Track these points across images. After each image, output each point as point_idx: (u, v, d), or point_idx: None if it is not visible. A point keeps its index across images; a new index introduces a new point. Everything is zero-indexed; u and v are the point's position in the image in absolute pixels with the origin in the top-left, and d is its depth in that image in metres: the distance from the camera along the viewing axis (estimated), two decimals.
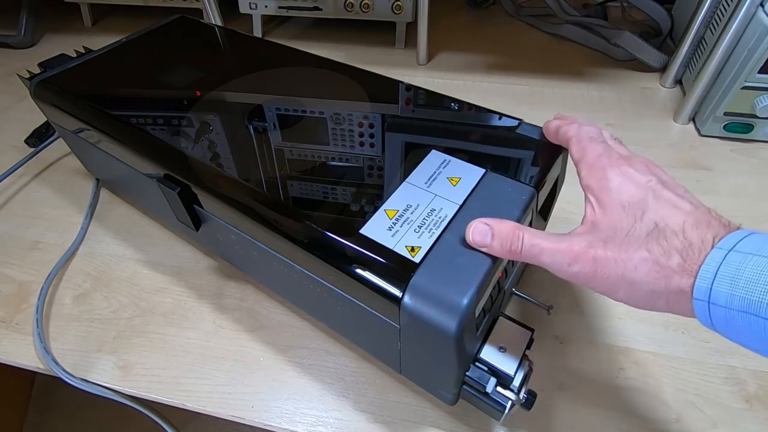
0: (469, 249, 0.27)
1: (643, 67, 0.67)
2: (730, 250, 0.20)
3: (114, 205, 0.51)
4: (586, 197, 0.27)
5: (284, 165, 0.34)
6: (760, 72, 0.49)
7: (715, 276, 0.20)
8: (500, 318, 0.30)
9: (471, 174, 0.31)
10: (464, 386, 0.29)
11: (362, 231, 0.28)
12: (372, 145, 0.35)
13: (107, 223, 0.49)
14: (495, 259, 0.27)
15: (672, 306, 0.22)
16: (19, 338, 0.40)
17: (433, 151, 0.33)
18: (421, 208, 0.29)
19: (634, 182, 0.25)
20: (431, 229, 0.28)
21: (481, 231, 0.26)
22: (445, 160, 0.33)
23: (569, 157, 0.30)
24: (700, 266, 0.20)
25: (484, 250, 0.26)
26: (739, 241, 0.20)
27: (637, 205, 0.24)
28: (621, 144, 0.29)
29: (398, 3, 0.69)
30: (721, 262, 0.20)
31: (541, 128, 0.34)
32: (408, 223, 0.28)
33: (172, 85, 0.42)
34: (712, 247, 0.21)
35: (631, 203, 0.24)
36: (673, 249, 0.21)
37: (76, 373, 0.37)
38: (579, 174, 0.28)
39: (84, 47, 0.49)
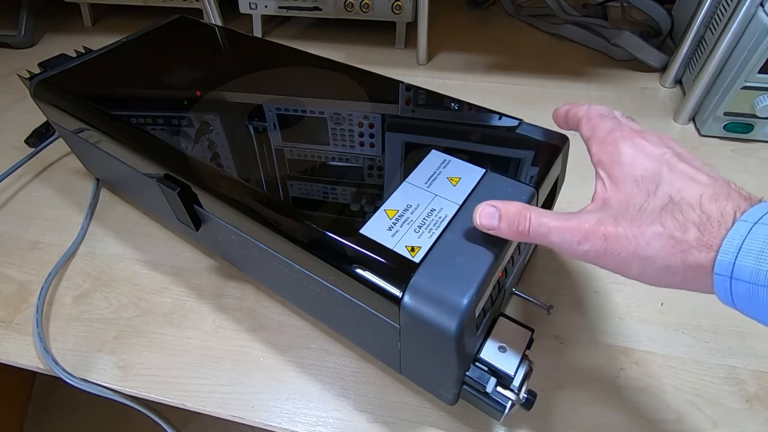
0: (469, 249, 0.27)
1: (643, 67, 0.67)
2: (755, 223, 0.19)
3: (114, 205, 0.51)
4: (596, 174, 0.26)
5: (284, 165, 0.34)
6: (760, 72, 0.49)
7: (739, 250, 0.19)
8: (500, 318, 0.30)
9: (471, 174, 0.31)
10: (464, 386, 0.29)
11: (362, 231, 0.28)
12: (372, 145, 0.35)
13: (107, 223, 0.49)
14: (496, 258, 0.27)
15: (688, 282, 0.21)
16: (19, 338, 0.40)
17: (433, 151, 0.33)
18: (421, 208, 0.29)
19: (647, 155, 0.24)
20: (431, 229, 0.28)
21: (488, 213, 0.26)
22: (445, 160, 0.33)
23: (580, 136, 0.29)
24: (722, 240, 0.19)
25: (492, 232, 0.26)
26: (766, 213, 0.19)
27: (651, 179, 0.23)
28: (633, 120, 0.28)
29: (398, 3, 0.69)
30: (746, 236, 0.19)
31: (541, 128, 0.34)
32: (408, 223, 0.28)
33: (172, 85, 0.42)
34: (734, 220, 0.20)
35: (644, 177, 0.23)
36: (689, 222, 0.20)
37: (76, 373, 0.37)
38: (590, 151, 0.27)
39: (84, 47, 0.49)
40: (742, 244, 0.19)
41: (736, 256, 0.19)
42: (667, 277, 0.21)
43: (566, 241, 0.23)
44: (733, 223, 0.19)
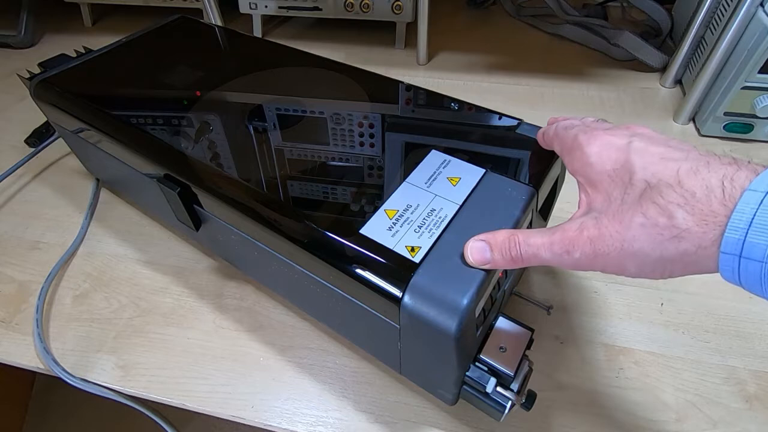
0: None
1: (643, 67, 0.67)
2: (767, 193, 0.17)
3: (114, 205, 0.51)
4: (577, 183, 0.26)
5: (284, 165, 0.34)
6: (760, 72, 0.49)
7: (750, 225, 0.17)
8: (500, 318, 0.30)
9: (471, 174, 0.31)
10: (464, 386, 0.29)
11: (362, 231, 0.28)
12: (372, 145, 0.35)
13: (107, 223, 0.49)
14: None
15: (690, 267, 0.19)
16: (19, 338, 0.40)
17: (433, 151, 0.33)
18: (421, 208, 0.29)
19: (613, 147, 0.23)
20: (431, 229, 0.28)
21: (478, 248, 0.26)
22: (445, 160, 0.33)
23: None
24: (728, 216, 0.17)
25: (488, 266, 0.26)
26: None
27: (623, 169, 0.22)
28: (604, 122, 0.27)
29: (398, 3, 0.69)
30: (758, 208, 0.17)
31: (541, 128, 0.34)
32: (408, 223, 0.28)
33: (172, 85, 0.42)
34: (723, 190, 0.18)
35: (616, 169, 0.22)
36: (672, 205, 0.19)
37: (76, 373, 0.37)
38: (565, 164, 0.27)
39: (84, 47, 0.49)
40: (753, 218, 0.17)
41: (747, 233, 0.17)
42: (667, 268, 0.20)
43: (556, 254, 0.23)
44: (724, 194, 0.18)
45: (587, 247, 0.22)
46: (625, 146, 0.23)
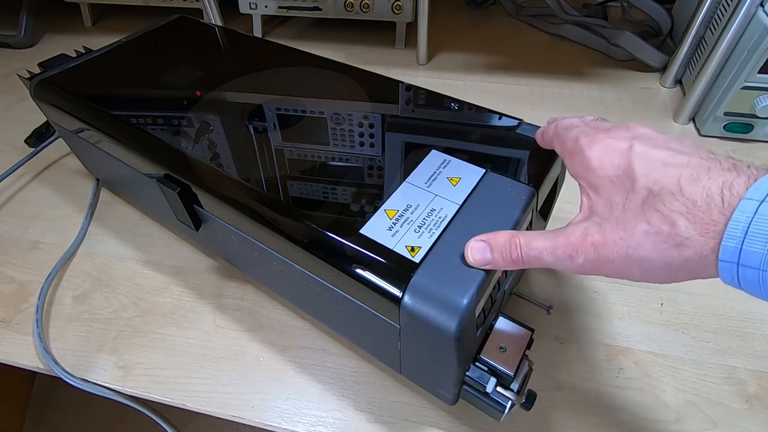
0: None
1: (643, 67, 0.67)
2: (762, 201, 0.17)
3: (114, 205, 0.51)
4: (579, 186, 0.25)
5: (284, 165, 0.34)
6: (760, 72, 0.49)
7: (745, 234, 0.17)
8: (500, 318, 0.30)
9: (471, 174, 0.31)
10: (464, 386, 0.29)
11: (362, 231, 0.28)
12: (372, 145, 0.35)
13: (107, 223, 0.49)
14: None
15: (694, 273, 0.20)
16: (19, 338, 0.40)
17: (433, 151, 0.33)
18: (421, 208, 0.29)
19: (615, 152, 0.23)
20: (431, 229, 0.28)
21: (478, 248, 0.26)
22: (445, 160, 0.33)
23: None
24: (725, 225, 0.18)
25: (488, 267, 0.26)
26: None
27: (625, 175, 0.22)
28: (604, 121, 0.27)
29: (398, 3, 0.69)
30: (753, 217, 0.17)
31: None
32: (408, 223, 0.28)
33: (172, 85, 0.42)
34: (722, 198, 0.18)
35: (618, 175, 0.22)
36: (674, 213, 0.19)
37: (76, 373, 0.37)
38: (566, 166, 0.27)
39: (84, 47, 0.49)
40: (748, 227, 0.17)
41: (743, 241, 0.17)
42: (672, 274, 0.20)
43: (559, 259, 0.23)
44: (723, 203, 0.18)
45: (591, 253, 0.22)
46: (627, 150, 0.22)
